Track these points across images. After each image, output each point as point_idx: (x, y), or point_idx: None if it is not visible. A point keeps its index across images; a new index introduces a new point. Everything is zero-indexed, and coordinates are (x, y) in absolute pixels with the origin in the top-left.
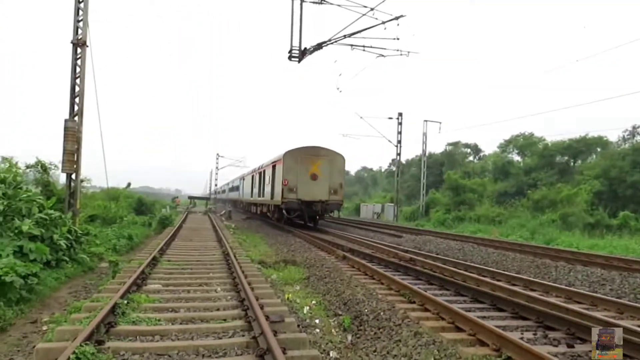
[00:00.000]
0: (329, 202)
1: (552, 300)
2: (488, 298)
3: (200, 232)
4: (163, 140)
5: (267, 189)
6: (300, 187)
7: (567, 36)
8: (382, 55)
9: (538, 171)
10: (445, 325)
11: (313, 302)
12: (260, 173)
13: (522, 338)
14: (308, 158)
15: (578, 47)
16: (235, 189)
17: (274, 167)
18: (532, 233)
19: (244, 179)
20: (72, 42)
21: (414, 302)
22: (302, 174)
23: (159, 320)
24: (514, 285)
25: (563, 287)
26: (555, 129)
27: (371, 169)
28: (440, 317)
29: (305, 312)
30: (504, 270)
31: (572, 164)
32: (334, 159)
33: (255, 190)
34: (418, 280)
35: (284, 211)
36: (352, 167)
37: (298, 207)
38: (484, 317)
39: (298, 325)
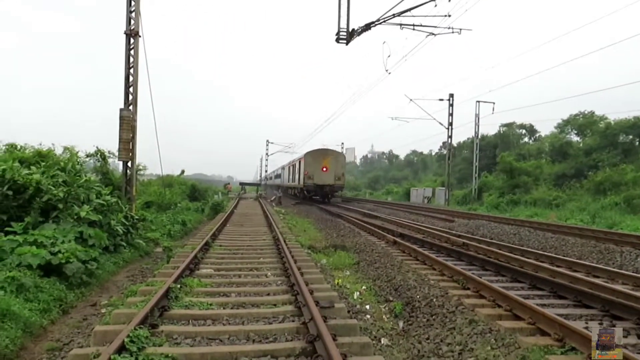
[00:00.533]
0: (334, 185)
1: (619, 287)
2: (547, 285)
3: (251, 218)
4: (216, 127)
5: (296, 177)
6: (315, 175)
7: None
8: (433, 34)
9: (599, 152)
10: (502, 313)
11: (363, 287)
12: (292, 165)
13: (586, 328)
14: (320, 156)
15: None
16: (278, 176)
17: (299, 162)
18: (593, 217)
19: (284, 169)
20: (125, 33)
21: (468, 289)
22: (316, 167)
23: (210, 304)
24: (575, 271)
25: (630, 273)
26: (618, 107)
27: (421, 153)
28: (497, 304)
29: (355, 297)
30: (563, 256)
31: (637, 143)
32: (338, 157)
33: (290, 177)
34: (472, 265)
35: (305, 191)
36: (401, 151)
37: (314, 189)
38: (543, 305)
39: (348, 311)
